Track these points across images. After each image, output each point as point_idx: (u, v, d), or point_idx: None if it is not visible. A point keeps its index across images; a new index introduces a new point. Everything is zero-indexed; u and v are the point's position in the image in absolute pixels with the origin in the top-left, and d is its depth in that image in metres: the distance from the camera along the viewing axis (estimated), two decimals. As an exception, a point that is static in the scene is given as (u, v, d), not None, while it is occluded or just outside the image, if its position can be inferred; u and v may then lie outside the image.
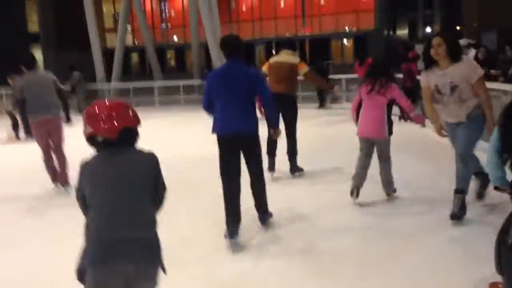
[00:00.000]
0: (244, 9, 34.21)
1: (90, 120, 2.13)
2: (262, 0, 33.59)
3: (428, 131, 7.21)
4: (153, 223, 2.11)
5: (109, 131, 2.10)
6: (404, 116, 8.74)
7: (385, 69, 4.68)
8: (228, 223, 3.89)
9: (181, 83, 16.47)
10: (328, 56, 30.78)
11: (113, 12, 34.88)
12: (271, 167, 5.83)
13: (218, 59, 15.50)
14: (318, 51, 30.89)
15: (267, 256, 3.66)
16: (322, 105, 13.48)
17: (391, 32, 33.47)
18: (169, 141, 8.76)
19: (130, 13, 20.51)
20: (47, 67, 28.27)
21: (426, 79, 4.05)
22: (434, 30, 33.16)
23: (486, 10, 18.52)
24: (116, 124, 2.10)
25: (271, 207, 4.26)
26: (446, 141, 4.41)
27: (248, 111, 3.93)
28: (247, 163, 4.02)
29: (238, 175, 3.95)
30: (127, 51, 34.73)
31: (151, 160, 2.17)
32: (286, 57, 5.86)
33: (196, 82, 17.06)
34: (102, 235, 2.01)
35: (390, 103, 4.61)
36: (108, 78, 18.65)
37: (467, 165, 3.99)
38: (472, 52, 8.39)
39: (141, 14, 20.24)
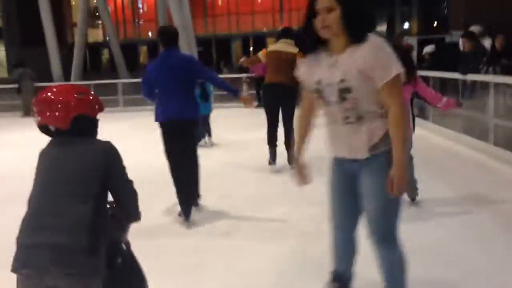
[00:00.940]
0: (220, 3, 32.99)
1: (39, 108, 1.94)
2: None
3: (439, 139, 6.70)
4: (88, 227, 1.78)
5: (60, 120, 1.91)
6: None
7: (408, 57, 4.07)
8: (181, 204, 4.09)
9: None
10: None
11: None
12: (273, 159, 5.78)
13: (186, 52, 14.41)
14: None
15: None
16: None
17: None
18: (123, 148, 7.48)
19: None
20: (10, 64, 27.12)
21: (305, 71, 2.30)
22: (411, 26, 32.72)
23: (473, 4, 17.93)
24: (67, 112, 1.90)
25: (277, 202, 4.46)
26: (461, 149, 3.56)
27: (188, 96, 4.13)
28: (184, 153, 4.15)
29: (181, 160, 4.14)
30: (96, 47, 33.35)
31: (103, 151, 1.91)
32: (285, 46, 5.69)
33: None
34: (22, 236, 1.80)
35: (412, 97, 4.08)
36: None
37: (393, 251, 2.29)
38: (488, 41, 7.38)
39: (104, 7, 19.06)
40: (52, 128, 1.94)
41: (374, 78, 2.06)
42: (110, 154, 1.92)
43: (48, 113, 1.91)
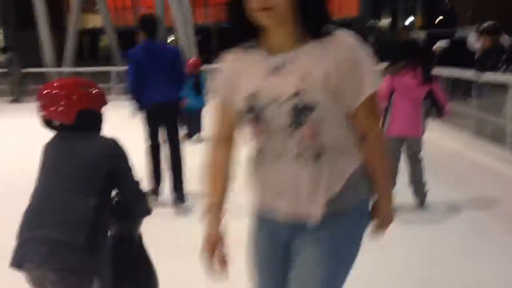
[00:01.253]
0: (220, -9, 32.41)
1: (42, 102, 1.88)
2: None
3: (447, 142, 6.28)
4: (88, 225, 1.73)
5: (64, 114, 1.86)
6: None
7: (427, 53, 4.14)
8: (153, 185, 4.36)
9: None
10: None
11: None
12: None
13: (187, 45, 14.03)
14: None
15: None
16: None
17: (375, 20, 32.16)
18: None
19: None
20: (6, 47, 26.57)
21: (226, 79, 1.48)
22: (416, 20, 32.19)
23: (481, -3, 17.46)
24: (71, 107, 1.86)
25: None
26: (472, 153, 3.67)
27: (171, 81, 4.27)
28: (168, 134, 4.30)
29: (159, 143, 4.36)
30: (94, 33, 32.68)
31: (108, 148, 1.84)
32: None
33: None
34: (21, 231, 1.77)
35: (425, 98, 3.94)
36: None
37: None
38: (507, 39, 6.89)
39: None
40: (56, 122, 1.90)
41: (344, 93, 1.34)
42: (114, 151, 1.88)
43: (52, 108, 1.86)
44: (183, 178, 4.28)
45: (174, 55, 4.31)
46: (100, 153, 1.84)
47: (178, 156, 4.31)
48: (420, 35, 9.33)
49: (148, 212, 1.98)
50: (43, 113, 1.88)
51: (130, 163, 1.92)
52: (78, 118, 1.86)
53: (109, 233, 1.94)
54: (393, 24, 33.65)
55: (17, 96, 12.96)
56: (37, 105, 1.90)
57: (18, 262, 1.74)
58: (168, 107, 4.26)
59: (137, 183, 1.94)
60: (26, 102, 12.66)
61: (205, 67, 7.36)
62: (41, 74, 15.12)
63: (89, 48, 32.97)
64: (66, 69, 15.89)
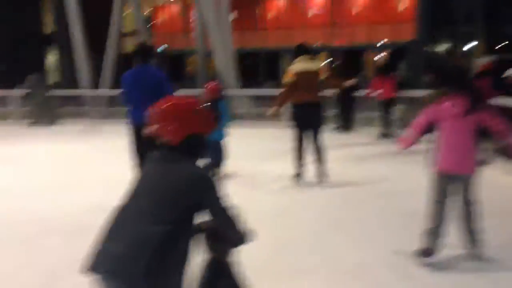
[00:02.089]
0: (270, 16, 32.01)
1: (154, 117, 1.95)
2: (290, 7, 31.36)
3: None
4: (150, 251, 1.77)
5: (172, 134, 1.91)
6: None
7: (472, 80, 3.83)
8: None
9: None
10: (360, 70, 28.45)
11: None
12: (300, 174, 6.03)
13: (225, 69, 13.59)
14: (349, 64, 28.74)
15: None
16: (346, 127, 10.92)
17: (432, 45, 30.42)
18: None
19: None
20: (64, 69, 27.46)
21: None
22: (476, 46, 30.22)
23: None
24: (181, 129, 1.91)
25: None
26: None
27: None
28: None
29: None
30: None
31: (196, 183, 1.85)
32: (310, 63, 5.89)
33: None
34: (99, 240, 1.89)
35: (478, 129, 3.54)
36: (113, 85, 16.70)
37: None
38: None
39: (139, 15, 18.49)
40: (160, 140, 1.93)
41: None
42: (202, 186, 1.87)
43: (163, 124, 1.92)
44: None
45: (158, 79, 4.79)
46: (190, 183, 1.85)
47: None
48: (485, 60, 8.13)
49: (241, 240, 1.96)
50: (153, 128, 1.94)
51: (218, 192, 1.91)
52: (184, 141, 1.91)
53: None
54: (452, 49, 31.88)
55: (37, 119, 12.70)
56: (148, 118, 1.98)
57: (91, 267, 1.85)
58: None
59: (227, 210, 1.92)
60: (47, 126, 12.59)
61: (237, 92, 6.71)
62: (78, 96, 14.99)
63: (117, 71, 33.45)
64: (102, 91, 15.63)
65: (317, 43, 30.41)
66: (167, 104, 1.93)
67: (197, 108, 1.96)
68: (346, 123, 10.89)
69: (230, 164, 6.44)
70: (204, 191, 1.86)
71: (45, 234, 4.33)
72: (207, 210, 1.89)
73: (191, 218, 1.87)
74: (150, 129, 1.94)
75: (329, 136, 7.38)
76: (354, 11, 30.52)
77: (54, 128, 12.25)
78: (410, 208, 4.81)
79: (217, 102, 6.06)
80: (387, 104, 9.85)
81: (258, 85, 23.01)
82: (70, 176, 6.73)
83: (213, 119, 2.03)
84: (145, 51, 4.86)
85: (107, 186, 5.65)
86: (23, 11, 27.37)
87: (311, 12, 31.39)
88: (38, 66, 25.81)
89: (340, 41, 30.35)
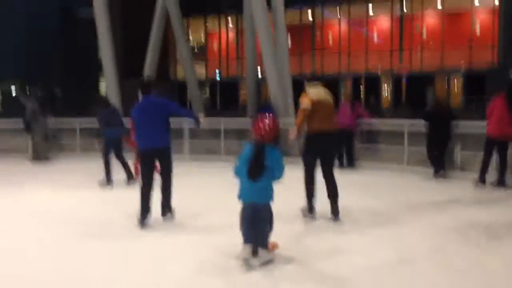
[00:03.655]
0: (330, 40, 29.80)
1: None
2: (352, 29, 28.99)
3: None
4: None
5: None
6: None
7: None
8: (142, 214, 5.57)
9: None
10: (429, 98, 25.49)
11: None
12: (311, 210, 5.86)
13: (278, 96, 11.93)
14: (417, 91, 25.91)
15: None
16: (350, 164, 10.01)
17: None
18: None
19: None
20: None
21: None
22: None
23: None
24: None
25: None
26: None
27: (163, 130, 5.73)
28: (162, 168, 5.83)
29: (152, 178, 5.71)
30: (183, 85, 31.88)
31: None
32: (325, 92, 5.93)
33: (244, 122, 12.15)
34: None
35: None
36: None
37: None
38: None
39: (183, 43, 17.25)
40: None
41: None
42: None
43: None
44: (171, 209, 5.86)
45: (162, 106, 5.75)
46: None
47: (169, 191, 5.83)
48: None
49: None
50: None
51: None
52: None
53: None
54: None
55: (38, 154, 11.10)
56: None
57: None
58: (158, 152, 5.71)
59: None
60: (53, 162, 10.98)
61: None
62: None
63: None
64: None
65: (378, 69, 27.85)
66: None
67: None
68: (350, 159, 10.03)
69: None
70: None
71: None
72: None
73: None
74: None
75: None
76: (423, 34, 27.62)
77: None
78: None
79: (266, 148, 4.22)
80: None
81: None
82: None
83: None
84: (144, 87, 5.92)
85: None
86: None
87: (376, 37, 28.82)
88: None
89: (406, 67, 27.51)
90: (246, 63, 15.64)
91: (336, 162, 9.10)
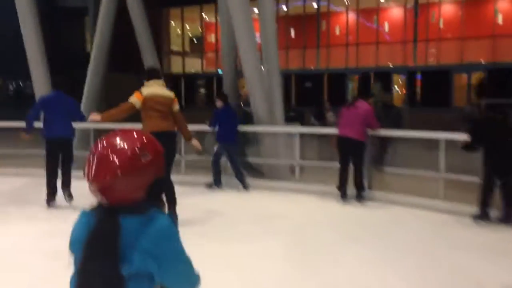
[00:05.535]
0: (337, 32, 27.23)
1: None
2: (360, 20, 26.40)
3: None
4: None
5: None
6: None
7: None
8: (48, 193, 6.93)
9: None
10: (448, 94, 23.00)
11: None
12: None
13: (257, 97, 9.69)
14: (434, 87, 23.41)
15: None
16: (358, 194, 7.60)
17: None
18: None
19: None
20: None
21: None
22: None
23: None
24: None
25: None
26: None
27: (68, 123, 7.12)
28: (62, 161, 7.10)
29: (57, 165, 7.04)
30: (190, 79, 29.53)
31: None
32: (163, 89, 5.96)
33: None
34: None
35: None
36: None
37: None
38: None
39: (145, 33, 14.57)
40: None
41: None
42: None
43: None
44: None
45: (70, 103, 7.23)
46: None
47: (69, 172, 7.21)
48: None
49: None
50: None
51: None
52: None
53: None
54: None
55: None
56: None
57: None
58: (63, 142, 7.09)
59: None
60: None
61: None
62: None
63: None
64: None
65: (389, 63, 25.30)
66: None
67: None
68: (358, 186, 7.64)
69: None
70: None
71: None
72: None
73: None
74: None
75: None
76: (440, 24, 24.96)
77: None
78: None
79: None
80: None
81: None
82: None
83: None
84: (58, 84, 7.42)
85: None
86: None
87: (387, 28, 26.20)
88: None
89: (421, 60, 24.90)
90: (222, 59, 13.39)
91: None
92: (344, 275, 4.51)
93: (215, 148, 8.70)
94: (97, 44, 13.42)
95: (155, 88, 5.86)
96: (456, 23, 24.51)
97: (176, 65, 29.86)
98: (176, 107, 6.05)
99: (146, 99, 5.72)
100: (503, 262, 4.87)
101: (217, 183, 8.60)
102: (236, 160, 8.60)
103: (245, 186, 8.46)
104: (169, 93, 6.00)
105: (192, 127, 6.88)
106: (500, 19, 23.78)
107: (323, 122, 14.12)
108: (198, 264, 1.78)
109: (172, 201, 5.86)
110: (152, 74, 6.04)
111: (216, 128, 8.69)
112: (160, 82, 5.97)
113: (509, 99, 15.41)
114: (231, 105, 9.36)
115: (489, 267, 4.72)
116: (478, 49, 24.14)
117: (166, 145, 4.83)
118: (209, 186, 8.59)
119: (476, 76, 24.30)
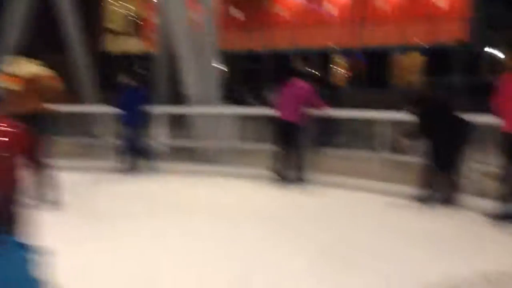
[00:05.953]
0: (282, 12, 26.82)
1: None
2: (304, 2, 26.12)
3: None
4: None
5: None
6: None
7: None
8: None
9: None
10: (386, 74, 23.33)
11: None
12: None
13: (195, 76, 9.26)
14: (374, 67, 23.65)
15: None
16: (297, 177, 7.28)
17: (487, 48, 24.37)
18: None
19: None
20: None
21: None
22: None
23: None
24: None
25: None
26: None
27: None
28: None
29: None
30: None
31: None
32: (35, 67, 5.74)
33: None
34: None
35: None
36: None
37: None
38: None
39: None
40: None
41: None
42: None
43: None
44: None
45: None
46: None
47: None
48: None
49: None
50: None
51: None
52: None
53: None
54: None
55: None
56: None
57: None
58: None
59: None
60: None
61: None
62: None
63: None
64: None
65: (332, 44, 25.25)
66: None
67: None
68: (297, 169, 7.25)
69: None
70: None
71: None
72: None
73: None
74: None
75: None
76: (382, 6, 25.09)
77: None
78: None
79: None
80: None
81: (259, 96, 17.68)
82: None
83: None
84: None
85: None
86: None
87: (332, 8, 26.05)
88: None
89: (364, 41, 24.98)
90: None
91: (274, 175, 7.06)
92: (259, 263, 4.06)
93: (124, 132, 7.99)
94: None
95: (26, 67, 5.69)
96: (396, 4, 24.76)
97: (113, 44, 28.49)
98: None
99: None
100: (445, 250, 4.59)
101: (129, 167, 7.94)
102: (141, 143, 7.92)
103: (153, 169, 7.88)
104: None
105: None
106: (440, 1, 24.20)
107: (260, 101, 13.82)
108: None
109: None
110: None
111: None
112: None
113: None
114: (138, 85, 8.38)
115: (430, 255, 4.41)
116: (416, 31, 24.46)
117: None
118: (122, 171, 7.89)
119: (413, 56, 24.73)
